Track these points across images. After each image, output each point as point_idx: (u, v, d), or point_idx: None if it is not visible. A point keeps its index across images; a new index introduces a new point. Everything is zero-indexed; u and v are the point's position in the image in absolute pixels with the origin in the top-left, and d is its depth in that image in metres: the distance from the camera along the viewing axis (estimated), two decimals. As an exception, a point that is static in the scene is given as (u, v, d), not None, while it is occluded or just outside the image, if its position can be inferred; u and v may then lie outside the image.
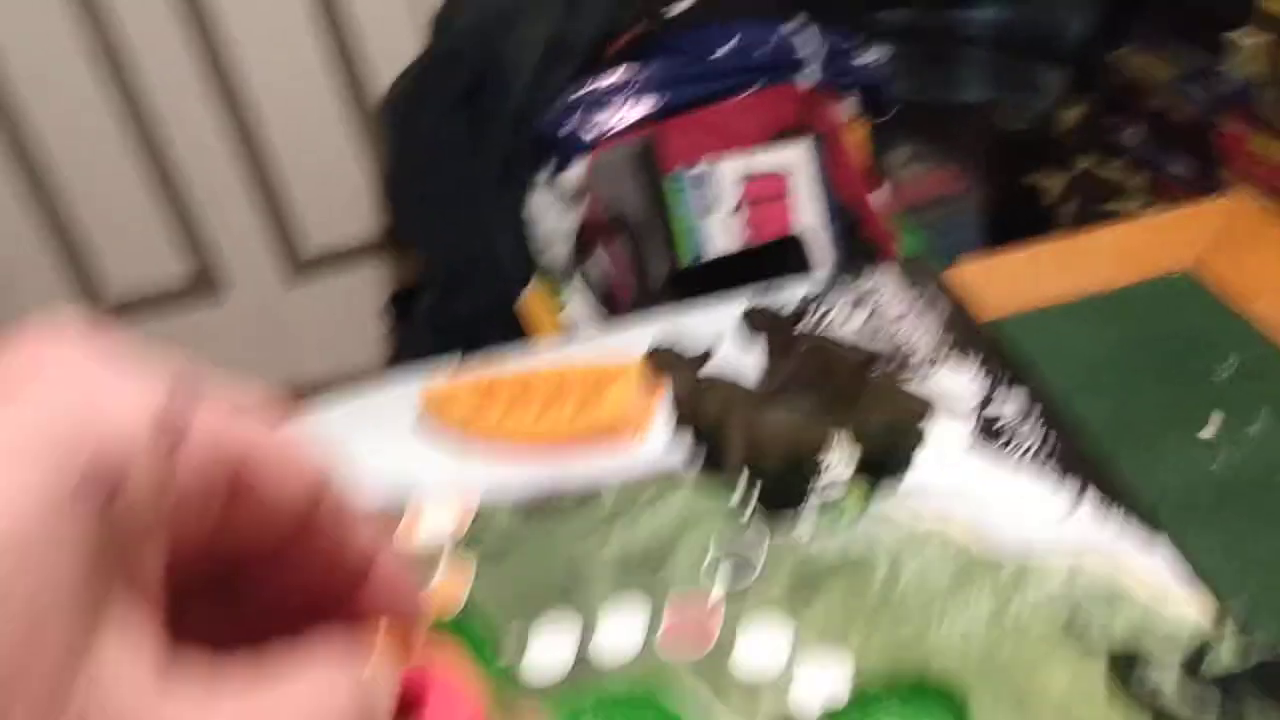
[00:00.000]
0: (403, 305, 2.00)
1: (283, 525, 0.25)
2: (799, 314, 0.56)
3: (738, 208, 1.50)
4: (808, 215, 1.55)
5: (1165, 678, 0.34)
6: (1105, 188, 1.83)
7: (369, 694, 0.25)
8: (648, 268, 1.52)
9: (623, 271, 1.54)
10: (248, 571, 0.26)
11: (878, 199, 1.66)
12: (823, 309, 0.70)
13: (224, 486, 0.23)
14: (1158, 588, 0.46)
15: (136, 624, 0.22)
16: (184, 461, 0.22)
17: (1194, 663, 0.35)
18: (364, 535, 0.27)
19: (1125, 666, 0.34)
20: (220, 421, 0.23)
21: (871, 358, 0.52)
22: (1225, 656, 0.40)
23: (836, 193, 1.59)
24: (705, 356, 0.54)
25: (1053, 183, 1.96)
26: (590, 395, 0.65)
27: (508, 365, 0.69)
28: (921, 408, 0.52)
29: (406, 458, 0.66)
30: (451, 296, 1.78)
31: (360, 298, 2.10)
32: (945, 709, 0.42)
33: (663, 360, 0.55)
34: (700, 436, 0.56)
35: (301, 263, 2.04)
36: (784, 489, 0.54)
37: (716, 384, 0.53)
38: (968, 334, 0.65)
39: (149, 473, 0.22)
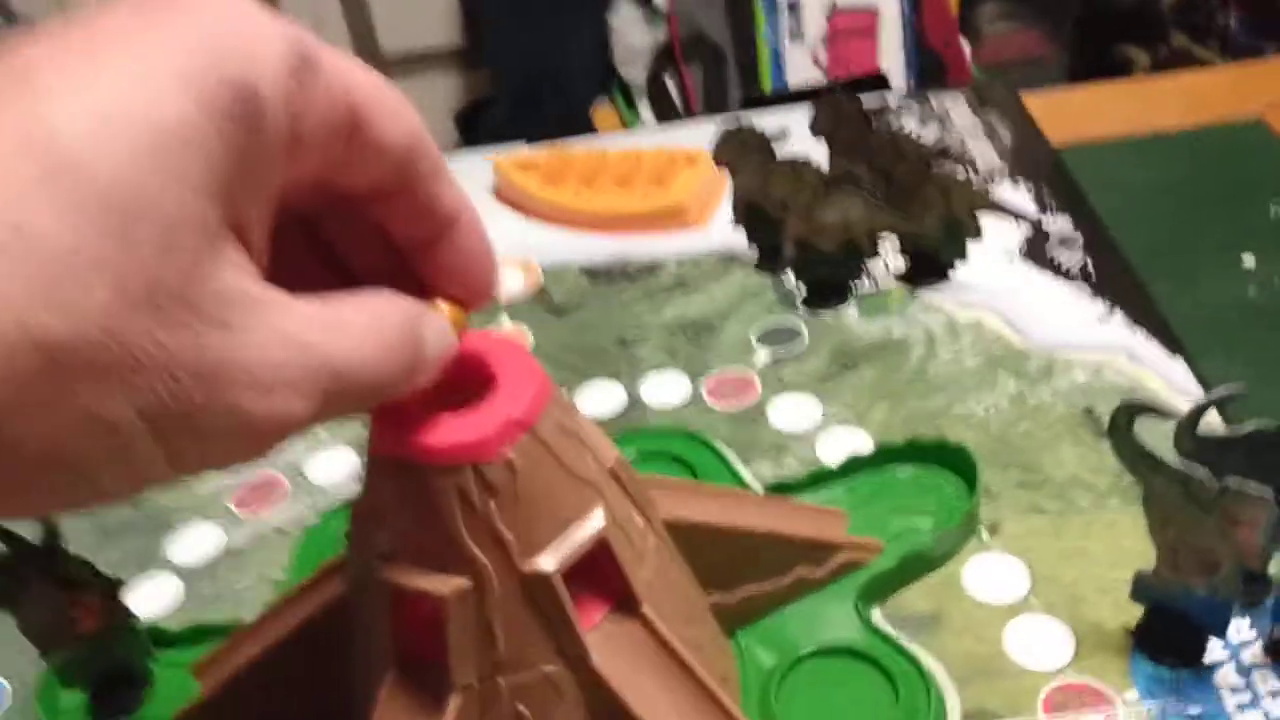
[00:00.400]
0: (474, 117, 2.02)
1: (386, 166, 0.27)
2: (869, 115, 0.58)
3: (824, 39, 1.49)
4: (892, 56, 1.54)
5: (1160, 437, 0.38)
6: (1195, 67, 1.79)
7: (422, 328, 0.28)
8: (725, 91, 1.52)
9: (699, 93, 1.55)
10: (342, 213, 0.29)
11: (963, 51, 1.64)
12: (894, 120, 0.72)
13: (346, 120, 0.26)
14: (1175, 393, 0.49)
15: (251, 238, 0.24)
16: (317, 91, 0.25)
17: (1190, 426, 0.38)
18: (453, 192, 0.29)
19: (1125, 422, 0.37)
20: (344, 62, 0.26)
21: (938, 153, 0.54)
22: (1221, 427, 0.42)
23: (923, 37, 1.58)
24: (774, 143, 0.57)
25: (1141, 57, 1.92)
26: (660, 179, 0.68)
27: (581, 147, 0.72)
28: (979, 206, 0.55)
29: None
30: (524, 109, 1.79)
31: (434, 103, 2.12)
32: (957, 471, 0.46)
33: (733, 144, 0.58)
34: (761, 220, 0.59)
35: (380, 61, 2.06)
36: (836, 274, 0.57)
37: (783, 168, 0.55)
38: (1030, 155, 0.67)
39: (287, 97, 0.24)
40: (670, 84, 1.56)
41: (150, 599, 0.48)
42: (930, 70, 1.56)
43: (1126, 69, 1.94)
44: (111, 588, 0.40)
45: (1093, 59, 1.98)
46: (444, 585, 0.32)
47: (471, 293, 0.31)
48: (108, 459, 0.22)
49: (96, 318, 0.20)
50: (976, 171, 0.65)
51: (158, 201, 0.21)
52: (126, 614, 0.41)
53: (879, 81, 1.52)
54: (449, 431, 0.31)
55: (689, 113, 1.56)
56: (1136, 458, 0.38)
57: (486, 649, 0.33)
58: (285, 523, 0.51)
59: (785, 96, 1.51)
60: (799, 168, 0.54)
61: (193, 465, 0.24)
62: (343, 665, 0.38)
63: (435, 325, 0.29)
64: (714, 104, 1.53)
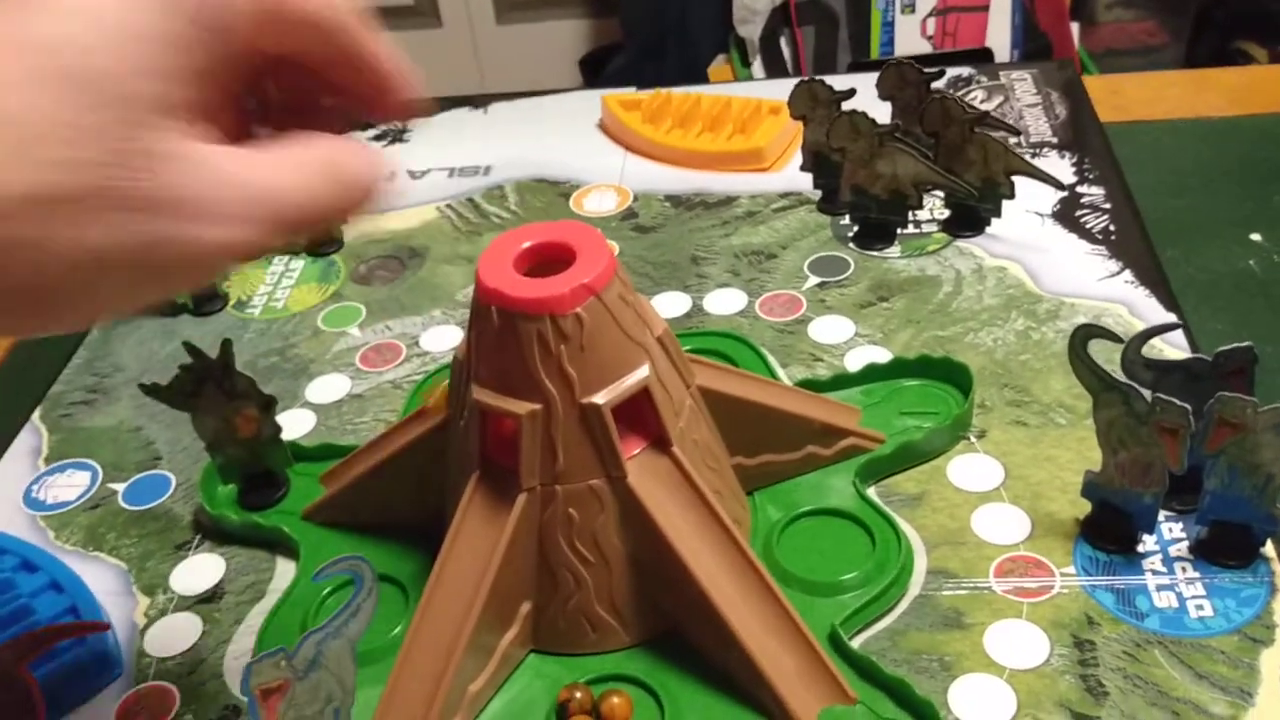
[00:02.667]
0: (598, 62, 2.12)
1: (312, 36, 0.31)
2: (927, 82, 0.66)
3: (936, 11, 1.55)
4: (1000, 33, 1.59)
5: (1115, 357, 0.46)
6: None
7: (344, 157, 0.31)
8: (835, 55, 1.59)
9: (810, 56, 1.62)
10: (285, 74, 0.33)
11: (1074, 33, 1.69)
12: (959, 88, 0.80)
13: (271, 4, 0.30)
14: (1165, 345, 0.57)
15: (203, 105, 0.28)
16: None
17: (1135, 350, 0.46)
18: (384, 49, 0.33)
19: (1081, 342, 0.45)
20: None
21: (981, 118, 0.62)
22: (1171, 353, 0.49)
23: (1035, 16, 1.62)
24: (845, 95, 0.65)
25: (1260, 54, 1.92)
26: (745, 125, 0.77)
27: (681, 91, 0.81)
28: (1014, 170, 0.62)
29: (584, 147, 0.79)
30: (647, 59, 1.88)
31: (561, 46, 2.22)
32: (957, 386, 0.54)
33: (805, 97, 0.66)
34: (825, 166, 0.68)
35: (509, 4, 2.17)
36: (884, 219, 0.66)
37: (842, 121, 0.63)
38: (1080, 130, 0.74)
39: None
40: (784, 45, 1.64)
41: (290, 426, 0.59)
42: (1037, 50, 1.61)
43: (1239, 62, 1.96)
44: (267, 403, 0.51)
45: (1207, 52, 2.00)
46: (521, 407, 0.42)
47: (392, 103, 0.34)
48: (80, 290, 0.27)
49: (76, 170, 0.25)
50: (1020, 139, 0.73)
51: (124, 83, 0.26)
52: (276, 428, 0.52)
53: (984, 55, 1.58)
54: (535, 289, 0.41)
55: (799, 73, 1.63)
56: (1089, 373, 0.46)
57: (549, 461, 0.43)
58: (399, 378, 0.61)
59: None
60: (856, 121, 0.63)
61: (151, 293, 0.28)
62: (439, 472, 0.48)
63: (358, 154, 0.32)
64: (823, 67, 1.60)
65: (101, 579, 0.52)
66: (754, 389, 0.50)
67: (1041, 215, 0.67)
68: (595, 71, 2.10)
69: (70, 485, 0.58)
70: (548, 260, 0.43)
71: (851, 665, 0.43)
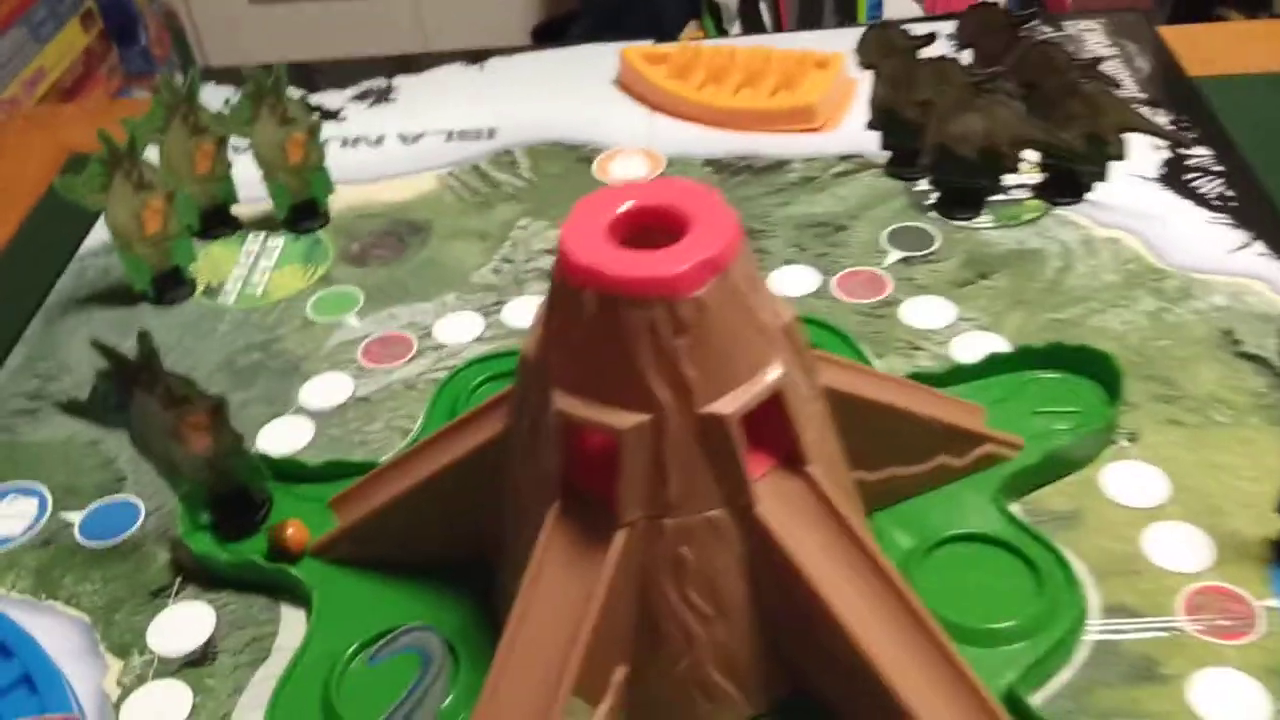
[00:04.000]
0: (550, 33, 2.01)
1: None
2: (1016, 25, 0.57)
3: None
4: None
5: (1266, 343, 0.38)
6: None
7: None
8: (820, 18, 1.50)
9: (793, 20, 1.52)
10: None
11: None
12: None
13: None
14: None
15: None
16: None
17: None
18: None
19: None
20: None
21: (1090, 65, 0.53)
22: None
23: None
24: (924, 41, 0.56)
25: (1236, 19, 1.87)
26: (790, 78, 0.67)
27: (708, 44, 0.71)
28: (1127, 126, 0.54)
29: (602, 110, 0.69)
30: (603, 28, 1.77)
31: (511, 16, 2.11)
32: (1095, 378, 0.46)
33: (878, 43, 0.57)
34: (897, 124, 0.59)
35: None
36: (973, 183, 0.56)
37: (928, 68, 0.54)
38: (1169, 86, 0.65)
39: None
40: (764, 9, 1.54)
41: (284, 437, 0.48)
42: (1029, 8, 1.53)
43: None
44: (215, 405, 0.41)
45: (1187, 16, 1.94)
46: (622, 420, 0.32)
47: None
48: None
49: None
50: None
51: None
52: (235, 437, 0.42)
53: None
54: (645, 265, 0.32)
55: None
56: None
57: (656, 487, 0.33)
58: (412, 377, 0.51)
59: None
60: (946, 68, 0.53)
61: None
62: (491, 499, 0.38)
63: None
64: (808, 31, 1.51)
65: (57, 636, 0.41)
66: (883, 388, 0.40)
67: (1146, 179, 0.58)
68: (549, 41, 1.99)
69: (12, 515, 0.47)
70: (650, 229, 0.34)
71: (1038, 738, 0.34)
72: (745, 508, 0.34)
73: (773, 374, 0.33)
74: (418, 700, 0.28)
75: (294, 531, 0.42)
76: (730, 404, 0.33)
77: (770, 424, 0.34)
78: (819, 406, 0.37)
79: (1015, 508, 0.42)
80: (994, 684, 0.35)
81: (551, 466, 0.34)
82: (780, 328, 0.34)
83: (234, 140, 0.60)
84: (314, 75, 0.76)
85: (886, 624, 0.34)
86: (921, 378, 0.46)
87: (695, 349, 0.32)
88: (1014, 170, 0.55)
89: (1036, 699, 0.36)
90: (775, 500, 0.34)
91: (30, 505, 0.47)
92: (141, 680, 0.39)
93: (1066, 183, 0.57)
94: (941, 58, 0.53)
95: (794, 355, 0.35)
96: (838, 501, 0.35)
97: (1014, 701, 0.35)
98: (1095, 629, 0.38)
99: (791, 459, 0.35)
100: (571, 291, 0.32)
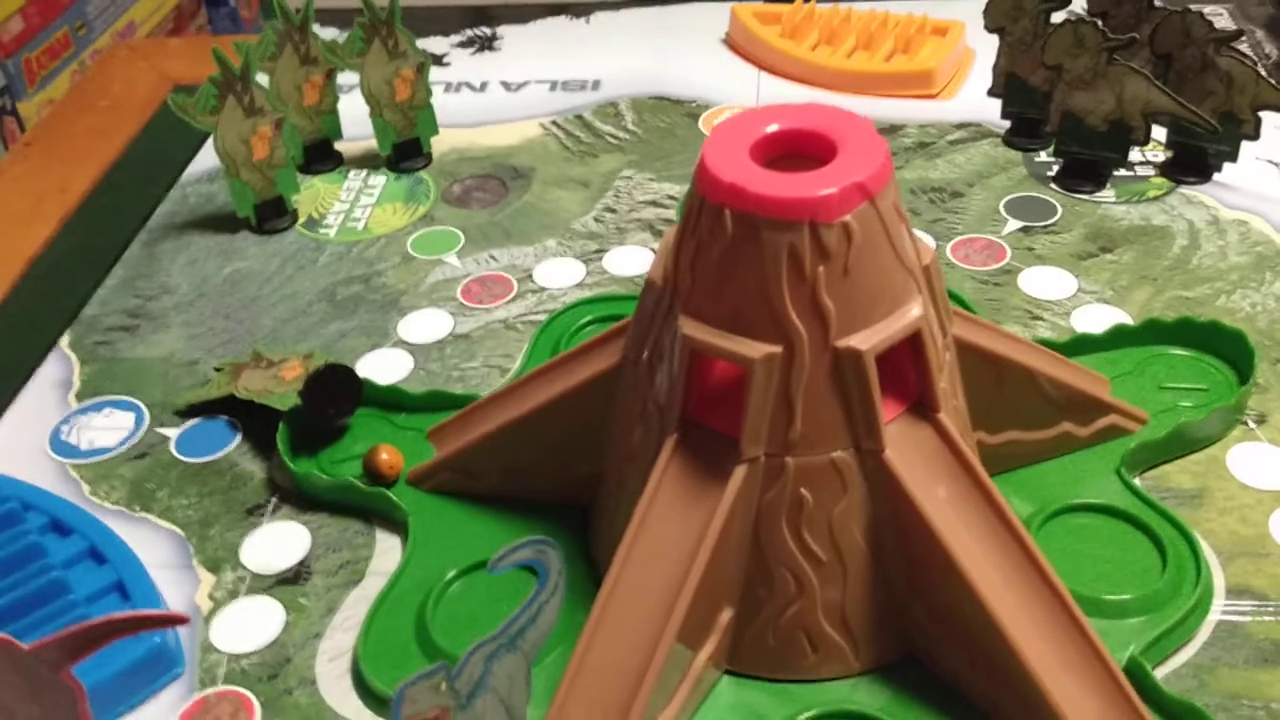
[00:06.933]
0: None
1: None
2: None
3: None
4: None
5: None
6: None
7: None
8: None
9: None
10: None
11: None
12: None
13: None
14: None
15: None
16: None
17: None
18: None
19: None
20: None
21: (1231, 36, 0.51)
22: None
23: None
24: (1057, 4, 0.54)
25: None
26: (908, 43, 0.65)
27: (823, 5, 0.70)
28: (1266, 104, 0.51)
29: (708, 64, 0.68)
30: None
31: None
32: (1224, 357, 0.44)
33: (1008, 6, 0.55)
34: (1022, 91, 0.57)
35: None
36: (1099, 155, 0.54)
37: (1064, 30, 0.52)
38: (1302, 71, 0.63)
39: None
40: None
41: (382, 367, 0.48)
42: None
43: None
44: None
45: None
46: (754, 349, 0.31)
47: None
48: None
49: None
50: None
51: None
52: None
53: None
54: (792, 185, 0.30)
55: None
56: None
57: (781, 424, 0.32)
58: (511, 318, 0.50)
59: None
60: (1083, 32, 0.51)
61: None
62: (592, 432, 0.37)
63: None
64: None
65: (152, 548, 0.41)
66: (1013, 347, 0.39)
67: (1274, 163, 0.56)
68: None
69: (109, 428, 0.46)
70: (797, 153, 0.32)
71: (1163, 714, 0.32)
72: (873, 451, 0.32)
73: (914, 313, 0.32)
74: (531, 617, 0.27)
75: (388, 456, 0.41)
76: (868, 339, 0.31)
77: (902, 366, 0.33)
78: (950, 356, 0.35)
79: (1138, 482, 0.40)
80: (1116, 656, 0.33)
81: (672, 398, 0.33)
82: (922, 268, 0.33)
83: (341, 79, 0.60)
84: (418, 21, 0.76)
85: (1014, 585, 0.32)
86: (1046, 345, 0.44)
87: (836, 279, 0.31)
88: (1143, 144, 0.53)
89: (1158, 674, 0.34)
90: (904, 446, 0.33)
91: (127, 419, 0.47)
92: (234, 595, 0.39)
93: (1194, 161, 0.55)
94: (1080, 20, 0.51)
95: (932, 298, 0.34)
96: (969, 452, 0.33)
97: (1137, 674, 0.33)
98: (1218, 610, 0.36)
99: (921, 405, 0.33)
100: (711, 210, 0.31)
